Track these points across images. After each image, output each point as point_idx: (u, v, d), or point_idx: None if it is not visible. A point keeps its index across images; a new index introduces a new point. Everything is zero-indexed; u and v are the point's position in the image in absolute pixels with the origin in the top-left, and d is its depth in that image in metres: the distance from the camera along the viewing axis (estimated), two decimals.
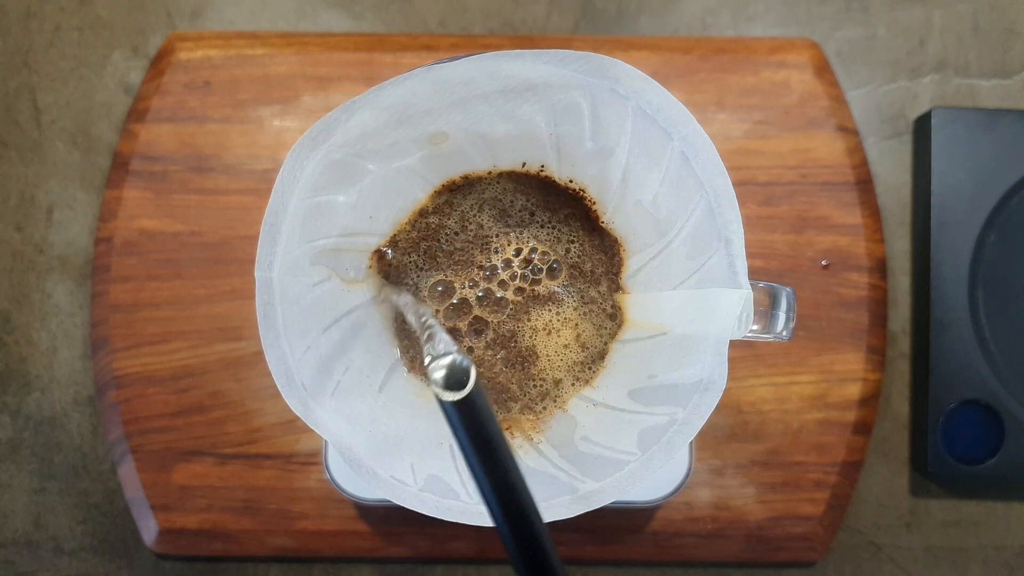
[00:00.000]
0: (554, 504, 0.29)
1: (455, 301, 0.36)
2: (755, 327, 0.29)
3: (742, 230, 0.28)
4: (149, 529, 0.45)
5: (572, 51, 0.28)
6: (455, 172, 0.35)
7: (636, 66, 0.29)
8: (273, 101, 0.46)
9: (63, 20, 0.48)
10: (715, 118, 0.46)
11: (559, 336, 0.36)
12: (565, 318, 0.36)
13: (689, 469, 0.41)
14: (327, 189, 0.31)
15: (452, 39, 0.47)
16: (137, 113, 0.46)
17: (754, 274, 0.45)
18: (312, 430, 0.30)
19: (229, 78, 0.46)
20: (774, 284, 0.29)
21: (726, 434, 0.45)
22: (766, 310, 0.29)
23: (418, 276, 0.36)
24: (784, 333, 0.29)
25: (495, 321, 0.36)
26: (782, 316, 0.29)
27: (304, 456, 0.45)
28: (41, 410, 0.47)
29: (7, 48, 0.48)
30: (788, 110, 0.46)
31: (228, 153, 0.46)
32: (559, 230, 0.36)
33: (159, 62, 0.47)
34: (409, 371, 0.35)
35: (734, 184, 0.29)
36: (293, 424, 0.45)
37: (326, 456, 0.42)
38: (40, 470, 0.47)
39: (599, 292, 0.36)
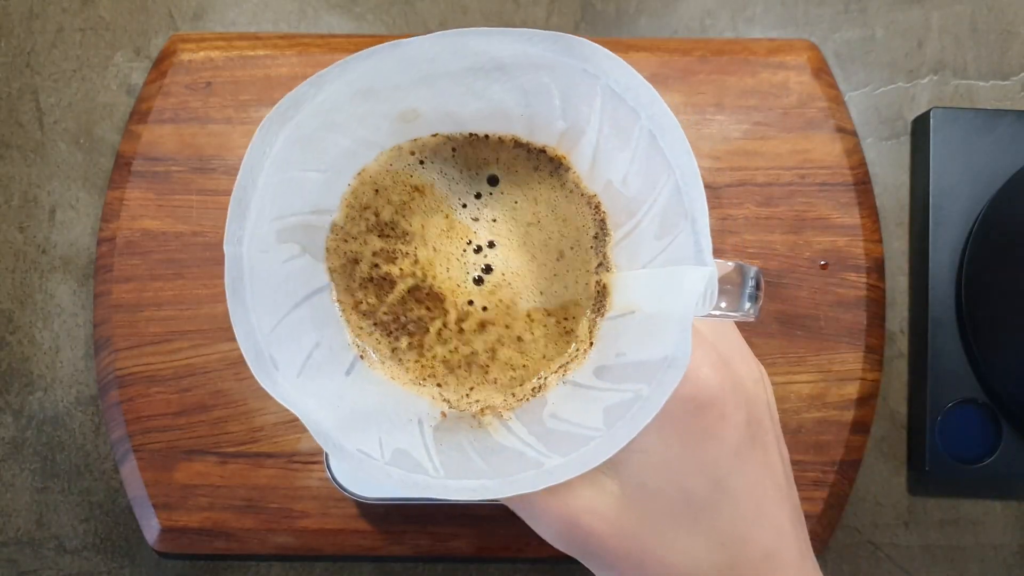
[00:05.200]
0: (519, 478, 0.29)
1: (425, 280, 0.35)
2: (723, 305, 0.29)
3: (707, 208, 0.29)
4: (151, 528, 0.45)
5: (540, 31, 0.28)
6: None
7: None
8: (275, 102, 0.45)
9: (65, 21, 0.48)
10: (714, 119, 0.46)
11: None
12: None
13: None
14: (297, 165, 0.31)
15: None
16: (139, 114, 0.46)
17: None
18: None
19: (231, 79, 0.46)
20: (742, 263, 0.29)
21: None
22: (735, 288, 0.29)
23: (380, 250, 0.35)
24: (751, 311, 0.29)
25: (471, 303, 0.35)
26: (749, 294, 0.29)
27: (305, 455, 0.45)
28: (44, 409, 0.47)
29: (10, 49, 0.48)
30: (787, 111, 0.46)
31: (230, 153, 0.46)
32: (533, 199, 0.36)
33: (161, 63, 0.47)
34: (370, 366, 0.35)
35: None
36: (295, 423, 0.45)
37: (327, 455, 0.42)
38: (43, 469, 0.47)
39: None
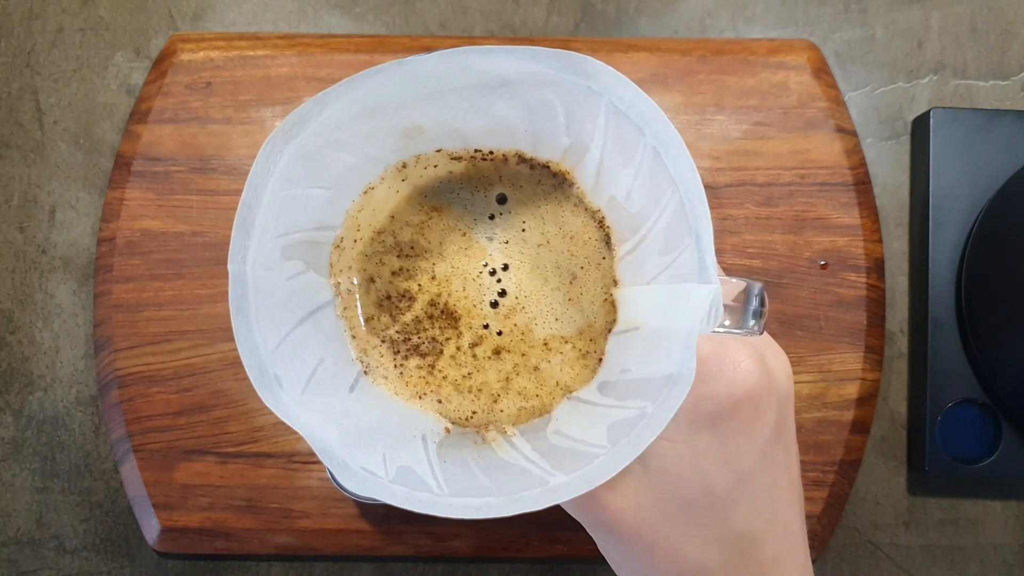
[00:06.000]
0: (524, 496, 0.29)
1: (432, 301, 0.35)
2: (727, 322, 0.29)
3: (711, 225, 0.29)
4: (151, 528, 0.45)
5: (544, 48, 0.29)
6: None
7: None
8: (275, 102, 0.46)
9: (65, 21, 0.48)
10: (714, 119, 0.46)
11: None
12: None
13: None
14: (302, 182, 0.31)
15: (452, 41, 0.47)
16: (139, 114, 0.47)
17: (753, 274, 0.46)
18: None
19: (231, 79, 0.46)
20: (746, 279, 0.30)
21: None
22: (739, 305, 0.29)
23: (390, 270, 0.35)
24: (755, 328, 0.29)
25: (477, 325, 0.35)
26: (753, 311, 0.29)
27: (305, 455, 0.45)
28: (44, 409, 0.47)
29: (10, 49, 0.48)
30: (787, 111, 0.46)
31: (230, 154, 0.46)
32: (540, 218, 0.36)
33: (161, 63, 0.47)
34: (373, 382, 0.35)
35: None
36: None
37: None
38: (43, 469, 0.47)
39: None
